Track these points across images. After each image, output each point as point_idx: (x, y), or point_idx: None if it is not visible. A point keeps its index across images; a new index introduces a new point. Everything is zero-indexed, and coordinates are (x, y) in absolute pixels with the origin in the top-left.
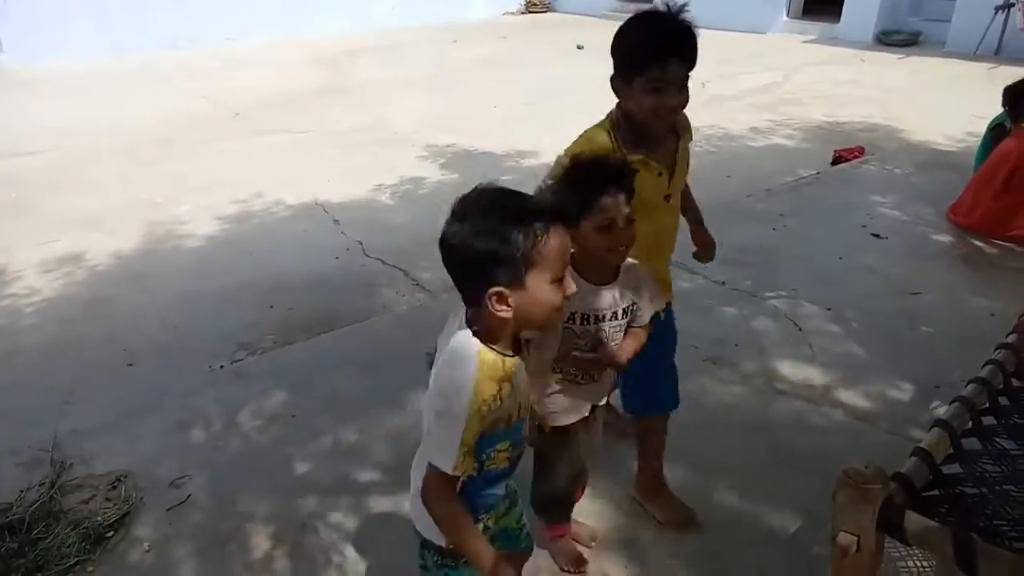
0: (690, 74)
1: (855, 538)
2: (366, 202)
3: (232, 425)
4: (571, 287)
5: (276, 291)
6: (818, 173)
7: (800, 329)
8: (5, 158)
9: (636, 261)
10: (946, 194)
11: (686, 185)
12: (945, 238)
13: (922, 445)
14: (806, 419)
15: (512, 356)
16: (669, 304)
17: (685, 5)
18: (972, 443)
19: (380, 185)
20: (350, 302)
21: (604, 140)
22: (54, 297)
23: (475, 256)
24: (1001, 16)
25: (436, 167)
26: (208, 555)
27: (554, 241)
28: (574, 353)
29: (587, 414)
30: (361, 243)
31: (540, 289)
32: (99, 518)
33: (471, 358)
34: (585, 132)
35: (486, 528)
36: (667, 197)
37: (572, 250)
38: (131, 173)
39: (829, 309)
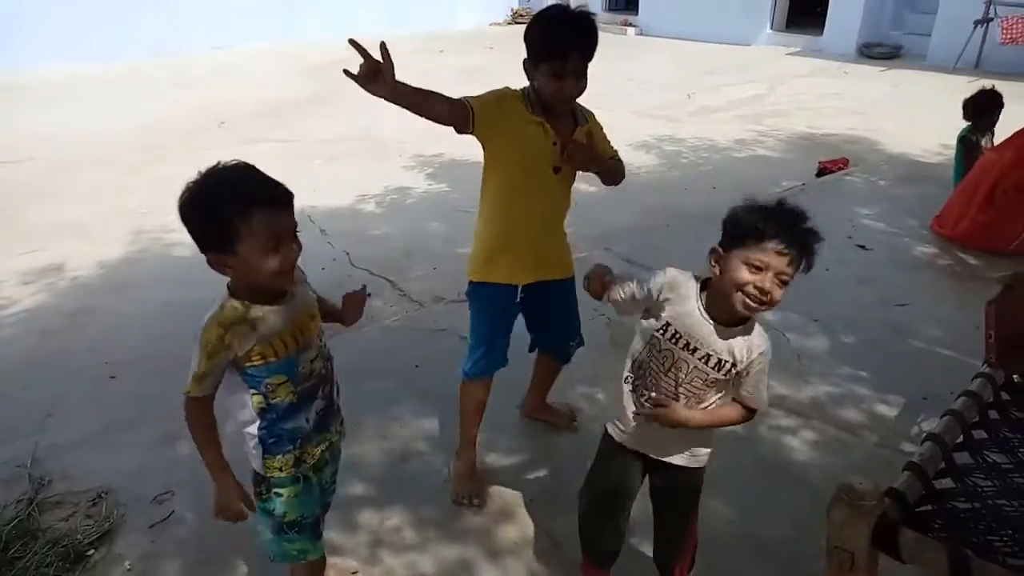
0: (589, 63)
1: (850, 555)
2: (353, 212)
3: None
4: (289, 255)
5: None
6: (803, 184)
7: (788, 340)
8: None
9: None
10: (928, 206)
11: (616, 162)
12: (930, 250)
13: (915, 460)
14: (796, 432)
15: (260, 304)
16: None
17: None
18: (963, 457)
19: (367, 195)
20: None
21: (515, 96)
22: (36, 308)
23: (191, 228)
24: (980, 31)
25: (423, 177)
26: (192, 573)
27: (259, 219)
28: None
29: (640, 452)
30: (348, 253)
31: (252, 256)
32: (79, 536)
33: (214, 306)
34: (500, 88)
35: (299, 462)
36: (556, 169)
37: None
38: (116, 181)
39: (816, 320)
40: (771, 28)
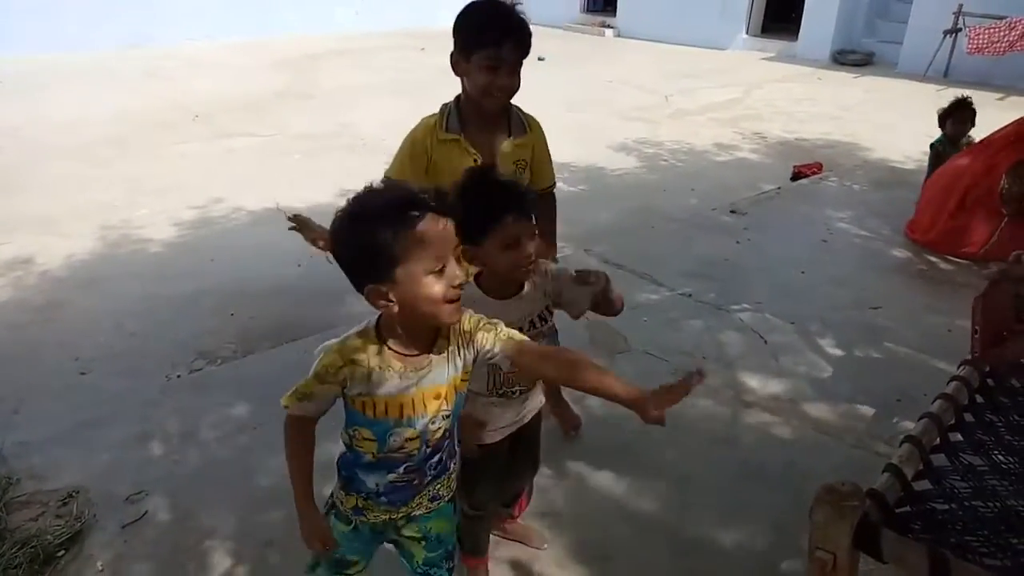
0: (523, 62)
1: (832, 556)
2: (331, 208)
3: (191, 437)
4: (456, 276)
5: (237, 298)
6: (779, 188)
7: (766, 342)
8: None
9: (542, 262)
10: (901, 210)
11: (547, 198)
12: (902, 254)
13: (893, 461)
14: (773, 432)
15: (401, 353)
16: None
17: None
18: (940, 459)
19: (345, 191)
20: (314, 310)
21: (427, 126)
22: (3, 302)
23: (343, 257)
24: (949, 40)
25: None
26: (165, 574)
27: (423, 231)
28: None
29: (513, 430)
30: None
31: (415, 282)
32: (48, 536)
33: (355, 329)
34: (409, 133)
35: (359, 511)
36: None
37: (473, 267)
38: (85, 174)
39: (793, 323)
40: (747, 33)
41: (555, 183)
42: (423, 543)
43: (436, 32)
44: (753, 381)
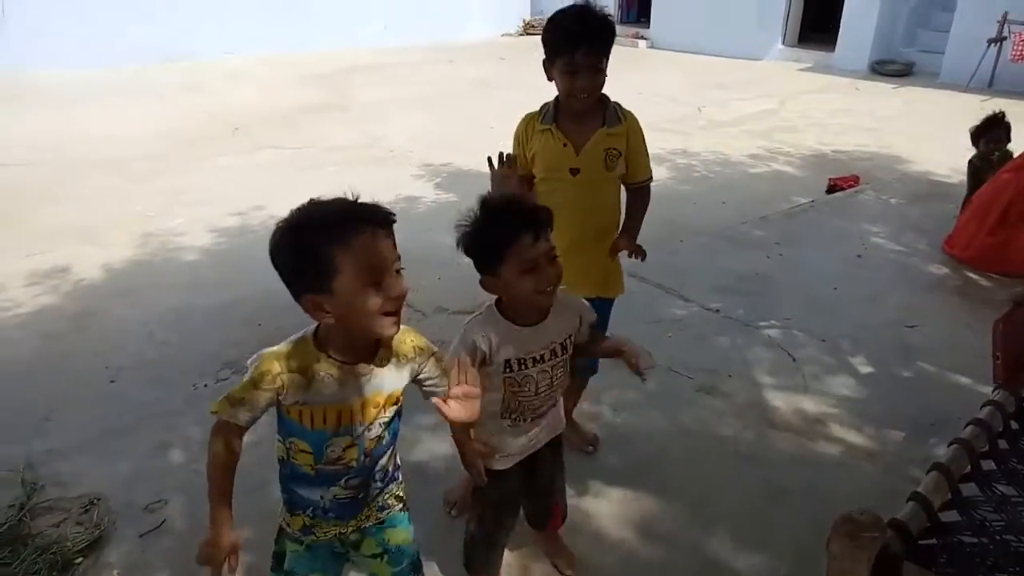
0: (607, 60)
1: None
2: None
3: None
4: (395, 289)
5: (266, 309)
6: (812, 201)
7: (794, 360)
8: None
9: (565, 290)
10: (940, 225)
11: (640, 192)
12: (940, 270)
13: (920, 490)
14: (799, 454)
15: (339, 362)
16: (611, 298)
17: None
18: (971, 488)
19: (377, 201)
20: None
21: (529, 117)
22: (39, 310)
23: (282, 266)
24: (994, 49)
25: (432, 186)
26: None
27: (362, 245)
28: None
29: (525, 455)
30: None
31: (352, 294)
32: (68, 543)
33: (291, 338)
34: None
35: (308, 530)
36: (574, 171)
37: (498, 295)
38: (124, 186)
39: (823, 340)
40: (783, 43)
41: (651, 177)
42: (385, 558)
43: (462, 46)
44: (780, 400)
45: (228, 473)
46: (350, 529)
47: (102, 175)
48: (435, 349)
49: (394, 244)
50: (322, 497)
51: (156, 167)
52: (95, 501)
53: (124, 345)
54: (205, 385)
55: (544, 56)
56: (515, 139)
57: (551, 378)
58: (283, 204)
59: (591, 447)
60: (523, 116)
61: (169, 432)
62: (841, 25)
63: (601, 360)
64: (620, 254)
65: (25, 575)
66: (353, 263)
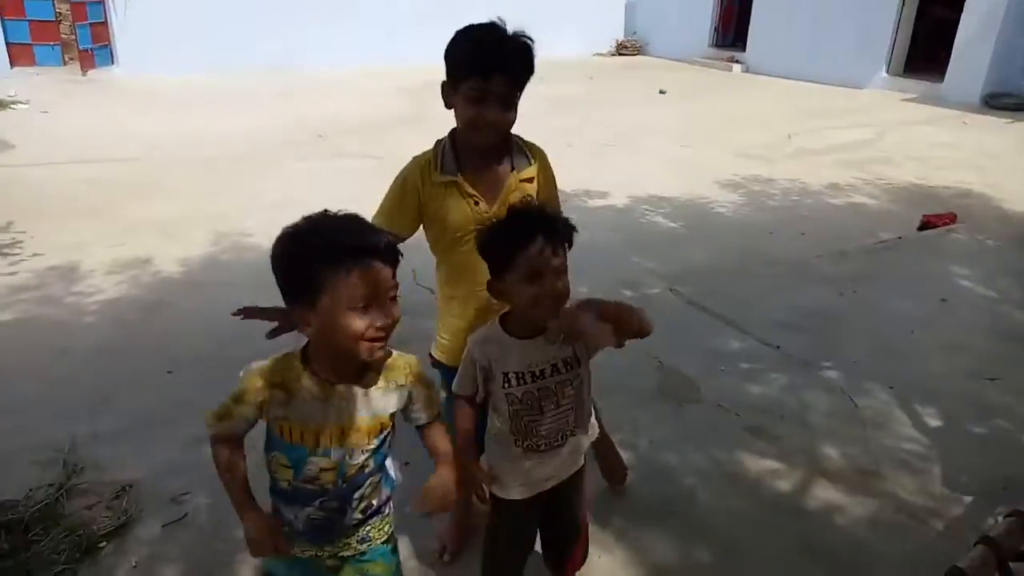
0: (520, 94)
1: None
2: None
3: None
4: (382, 318)
5: None
6: (899, 237)
7: (856, 406)
8: (98, 163)
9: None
10: None
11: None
12: None
13: (961, 565)
14: (846, 508)
15: (323, 381)
16: None
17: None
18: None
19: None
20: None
21: (420, 164)
22: (116, 299)
23: (275, 271)
24: None
25: None
26: None
27: (357, 276)
28: None
29: (544, 489)
30: (414, 271)
31: (336, 315)
32: (95, 527)
33: (275, 355)
34: (401, 171)
35: (289, 541)
36: None
37: (501, 300)
38: (209, 185)
39: (891, 387)
40: (887, 72)
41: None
42: None
43: (555, 63)
44: (833, 448)
45: (235, 478)
46: (326, 554)
47: (189, 174)
48: (429, 379)
49: (393, 274)
50: (296, 516)
51: (241, 168)
52: (127, 488)
53: (186, 338)
54: None
55: (445, 79)
56: (399, 189)
57: (557, 397)
58: (354, 209)
59: (620, 484)
60: (411, 160)
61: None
62: (952, 54)
63: (641, 387)
64: None
65: (51, 553)
66: (341, 288)
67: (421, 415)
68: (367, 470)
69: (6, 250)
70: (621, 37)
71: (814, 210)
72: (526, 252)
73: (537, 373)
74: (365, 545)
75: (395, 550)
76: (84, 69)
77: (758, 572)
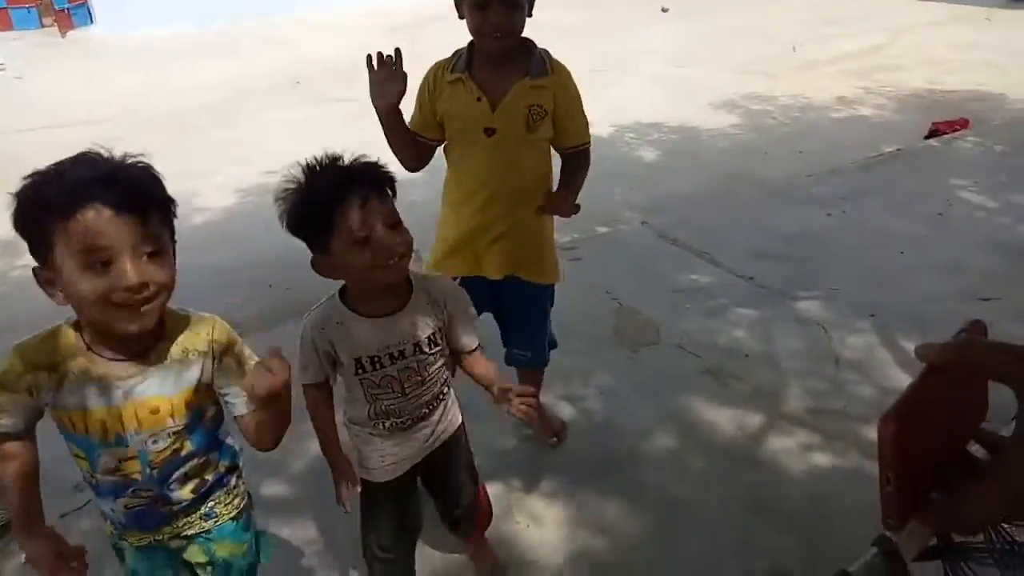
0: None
1: None
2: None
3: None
4: (124, 276)
5: (277, 269)
6: (898, 149)
7: (830, 338)
8: (65, 127)
9: (432, 273)
10: None
11: (574, 156)
12: None
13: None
14: (809, 455)
15: (106, 357)
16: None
17: None
18: None
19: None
20: None
21: (439, 66)
22: None
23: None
24: None
25: None
26: None
27: (76, 220)
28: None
29: (417, 461)
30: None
31: (69, 275)
32: None
33: (43, 331)
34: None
35: (116, 535)
36: (489, 131)
37: (332, 276)
38: (177, 142)
39: (872, 315)
40: None
41: (588, 142)
42: (210, 570)
43: None
44: (798, 388)
45: (22, 485)
46: (166, 536)
47: (159, 132)
48: (237, 340)
49: (145, 226)
50: (113, 509)
51: (209, 121)
52: None
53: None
54: None
55: None
56: (420, 93)
57: (421, 377)
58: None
59: (555, 439)
60: (432, 65)
61: None
62: None
63: (595, 333)
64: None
65: None
66: (66, 239)
67: (237, 400)
68: (184, 452)
69: None
70: None
71: (813, 126)
72: (344, 210)
73: (396, 354)
74: (210, 522)
75: (247, 526)
76: (63, 30)
77: (706, 529)
